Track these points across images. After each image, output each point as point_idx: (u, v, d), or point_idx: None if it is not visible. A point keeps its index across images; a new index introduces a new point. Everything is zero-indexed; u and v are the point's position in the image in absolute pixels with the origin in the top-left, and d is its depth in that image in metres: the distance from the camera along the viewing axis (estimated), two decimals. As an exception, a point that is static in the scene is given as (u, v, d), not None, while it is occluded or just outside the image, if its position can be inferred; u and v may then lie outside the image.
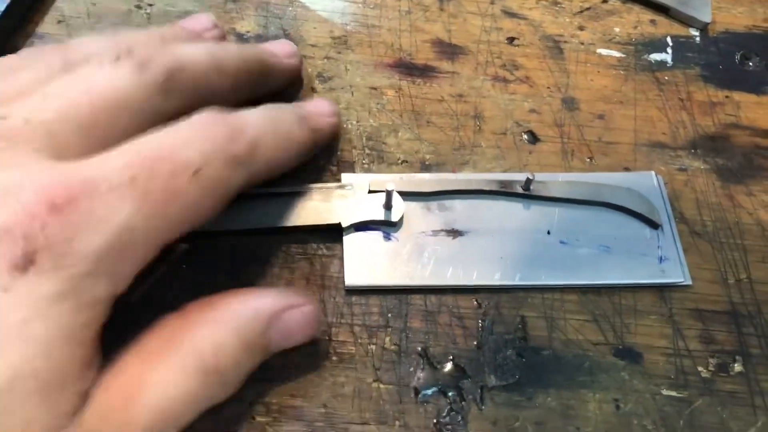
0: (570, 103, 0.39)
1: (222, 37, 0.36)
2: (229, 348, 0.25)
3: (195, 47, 0.30)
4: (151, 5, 0.40)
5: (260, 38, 0.40)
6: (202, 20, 0.35)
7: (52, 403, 0.21)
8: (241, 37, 0.39)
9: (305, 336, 0.28)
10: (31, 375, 0.20)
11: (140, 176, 0.23)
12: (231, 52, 0.31)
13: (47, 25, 0.39)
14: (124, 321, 0.24)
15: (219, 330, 0.25)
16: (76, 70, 0.26)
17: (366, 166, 0.36)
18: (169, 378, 0.23)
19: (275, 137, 0.29)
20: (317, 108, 0.34)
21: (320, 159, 0.35)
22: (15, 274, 0.21)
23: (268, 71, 0.34)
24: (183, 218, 0.24)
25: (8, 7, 0.37)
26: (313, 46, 0.40)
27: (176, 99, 0.27)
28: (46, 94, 0.25)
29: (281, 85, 0.36)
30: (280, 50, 0.35)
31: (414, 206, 0.34)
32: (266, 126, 0.28)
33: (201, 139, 0.25)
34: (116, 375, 0.23)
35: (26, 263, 0.21)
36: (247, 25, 0.40)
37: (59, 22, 0.39)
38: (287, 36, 0.40)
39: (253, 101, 0.30)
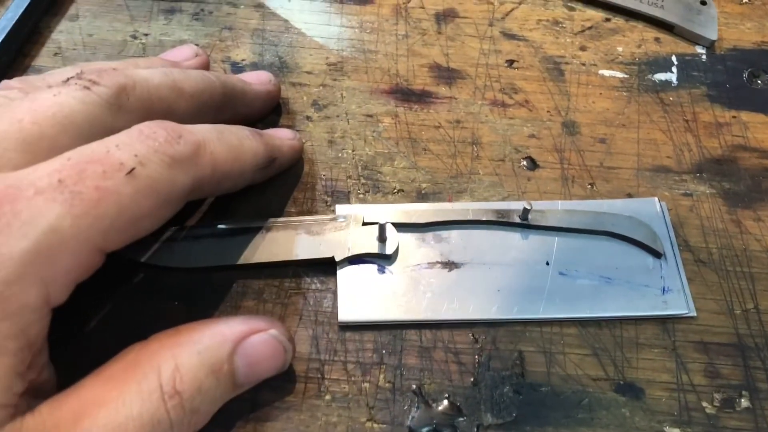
0: (571, 127, 0.38)
1: (204, 65, 0.36)
2: (190, 370, 0.24)
3: (151, 69, 0.30)
4: (146, 35, 0.40)
5: (255, 66, 0.40)
6: (184, 50, 0.36)
7: None
8: (236, 66, 0.39)
9: (273, 364, 0.28)
10: None
11: (69, 179, 0.23)
12: (191, 74, 0.31)
13: (43, 57, 0.39)
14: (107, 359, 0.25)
15: (180, 352, 0.25)
16: (29, 95, 0.27)
17: (361, 195, 0.35)
18: (125, 398, 0.23)
19: (223, 143, 0.29)
20: (276, 131, 0.35)
21: (315, 189, 0.35)
22: None
23: (233, 95, 0.34)
24: (120, 220, 0.24)
25: (4, 41, 0.38)
26: (308, 73, 0.40)
27: (127, 116, 0.27)
28: None
29: (253, 113, 0.36)
30: (254, 77, 0.36)
31: (409, 238, 0.33)
32: (212, 133, 0.28)
33: (138, 141, 0.25)
34: (71, 394, 0.23)
35: None
36: (242, 53, 0.40)
37: (55, 54, 0.39)
38: (282, 63, 0.40)
39: None
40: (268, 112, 0.38)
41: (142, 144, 0.25)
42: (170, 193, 0.26)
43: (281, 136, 0.35)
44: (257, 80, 0.36)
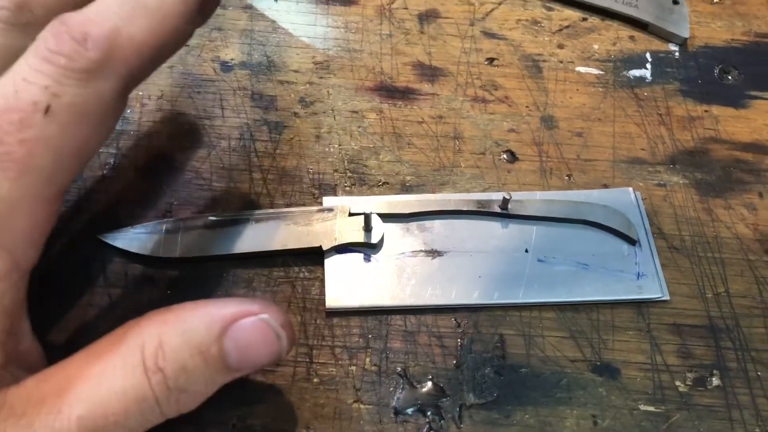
0: (549, 122, 0.40)
1: None
2: (174, 348, 0.24)
3: None
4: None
5: (244, 65, 0.41)
6: None
7: None
8: (225, 65, 0.40)
9: (266, 351, 0.26)
10: None
11: None
12: None
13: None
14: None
15: (166, 330, 0.24)
16: None
17: (347, 188, 0.36)
18: (108, 371, 0.23)
19: (140, 13, 0.24)
20: None
21: (302, 182, 0.36)
22: None
23: None
24: (60, 160, 0.23)
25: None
26: (295, 71, 0.41)
27: (37, 32, 0.24)
28: None
29: None
30: None
31: (394, 227, 0.35)
32: (125, 8, 0.24)
33: (42, 68, 0.22)
34: (57, 368, 0.23)
35: None
36: (231, 52, 0.41)
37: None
38: (270, 62, 0.41)
39: None
40: None
41: (49, 69, 0.22)
42: (100, 108, 0.24)
43: None
44: None
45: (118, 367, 0.23)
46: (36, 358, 0.25)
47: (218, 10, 0.42)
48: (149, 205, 0.35)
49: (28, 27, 0.25)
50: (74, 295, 0.32)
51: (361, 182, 0.37)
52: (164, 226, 0.33)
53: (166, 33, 0.25)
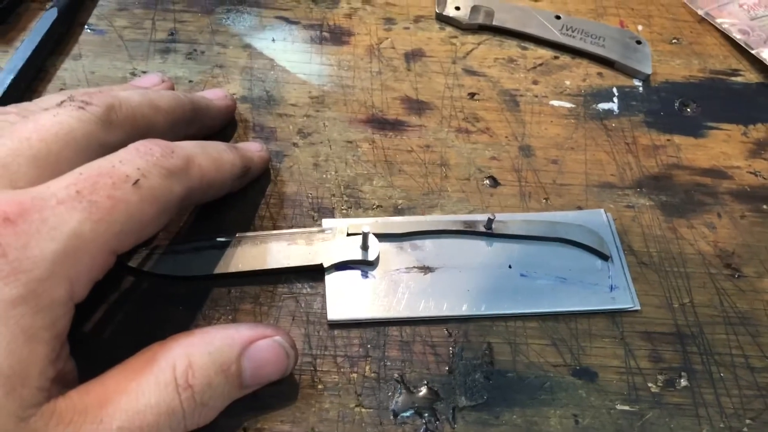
0: (526, 150, 0.43)
1: (170, 90, 0.40)
2: (202, 367, 0.27)
3: (131, 91, 0.34)
4: (144, 72, 0.44)
5: (245, 99, 0.44)
6: (152, 78, 0.41)
7: (16, 395, 0.23)
8: (227, 99, 0.43)
9: (276, 369, 0.30)
10: None
11: (84, 190, 0.26)
12: (164, 93, 0.36)
13: (50, 93, 0.42)
14: (121, 358, 0.28)
15: (193, 351, 0.28)
16: (27, 117, 0.30)
17: (344, 211, 0.39)
18: (144, 388, 0.26)
19: (207, 156, 0.32)
20: (247, 144, 0.40)
21: (303, 206, 0.39)
22: None
23: (200, 109, 0.38)
24: (129, 225, 0.27)
25: (14, 80, 0.41)
26: (293, 105, 0.44)
27: (117, 131, 0.31)
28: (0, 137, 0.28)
29: (216, 124, 0.41)
30: (212, 94, 0.41)
31: (388, 246, 0.38)
32: (197, 148, 0.32)
33: (138, 157, 0.28)
34: (96, 382, 0.26)
35: None
36: (233, 88, 0.44)
37: (60, 89, 0.43)
38: (270, 96, 0.44)
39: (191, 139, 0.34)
40: (227, 123, 0.42)
41: (142, 159, 0.28)
42: (168, 201, 0.29)
43: (252, 148, 0.39)
44: (215, 96, 0.41)
45: (152, 384, 0.26)
46: (72, 377, 0.27)
47: (219, 49, 0.45)
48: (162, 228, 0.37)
49: (111, 126, 0.31)
50: (90, 313, 0.34)
51: (356, 205, 0.39)
52: (176, 248, 0.36)
53: (219, 175, 0.33)
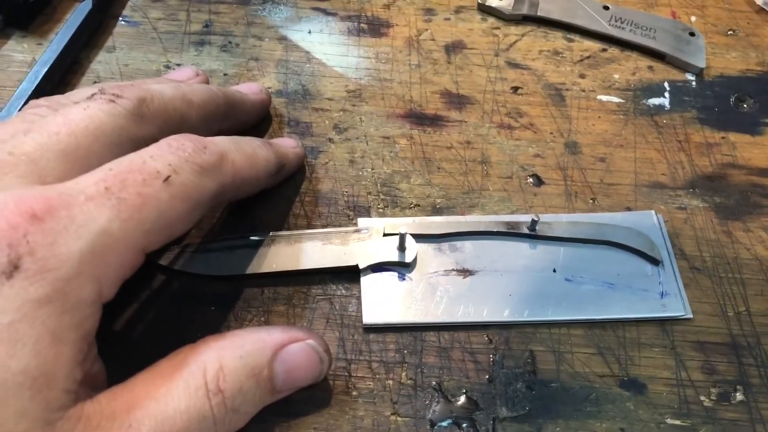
0: (572, 147, 0.41)
1: (205, 83, 0.39)
2: (233, 371, 0.26)
3: (163, 84, 0.33)
4: (178, 65, 0.43)
5: (280, 93, 0.43)
6: (186, 71, 0.40)
7: (42, 397, 0.23)
8: (262, 93, 0.42)
9: (309, 374, 0.30)
10: (21, 372, 0.22)
11: (114, 186, 0.25)
12: (197, 87, 0.35)
13: (83, 86, 0.42)
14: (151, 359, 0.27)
15: (224, 354, 0.27)
16: (57, 110, 0.29)
17: (381, 210, 0.38)
18: (173, 392, 0.25)
19: (240, 153, 0.31)
20: (282, 140, 0.39)
21: (338, 204, 0.38)
22: (2, 279, 0.22)
23: (234, 103, 0.37)
24: (159, 223, 0.26)
25: (48, 72, 0.41)
26: (329, 99, 0.43)
27: (149, 125, 0.30)
28: (29, 131, 0.27)
29: (250, 119, 0.40)
30: (247, 88, 0.40)
31: (426, 248, 0.36)
32: (230, 144, 0.31)
33: (169, 153, 0.27)
34: (125, 387, 0.26)
35: (12, 269, 0.23)
36: (268, 81, 0.43)
37: (94, 83, 0.42)
38: (306, 90, 0.43)
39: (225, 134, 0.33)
40: (261, 118, 0.41)
41: (173, 155, 0.27)
42: (200, 198, 0.28)
43: (286, 144, 0.38)
44: (250, 91, 0.40)
45: (182, 389, 0.25)
46: (101, 379, 0.27)
47: (254, 41, 0.44)
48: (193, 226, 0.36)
49: (143, 120, 0.30)
50: (119, 312, 0.34)
51: (393, 204, 0.38)
52: (208, 246, 0.35)
53: (253, 172, 0.32)
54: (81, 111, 0.28)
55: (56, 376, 0.23)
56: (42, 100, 0.31)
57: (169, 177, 0.27)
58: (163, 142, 0.28)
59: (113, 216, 0.25)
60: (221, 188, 0.30)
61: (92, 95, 0.30)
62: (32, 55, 0.43)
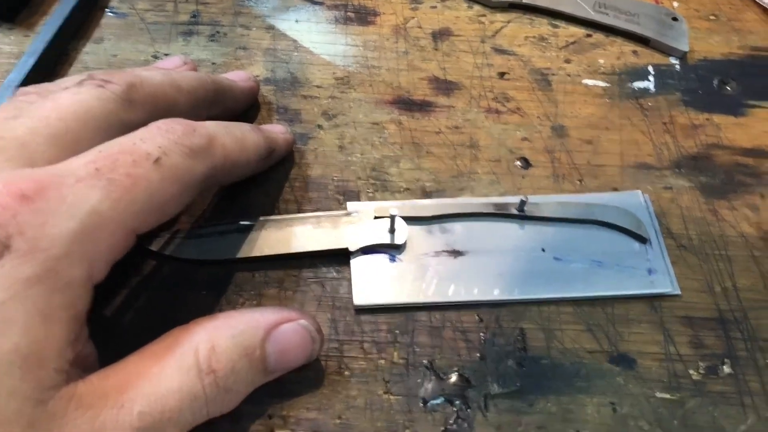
0: (559, 131, 0.42)
1: (193, 71, 0.39)
2: (225, 351, 0.27)
3: (153, 71, 0.33)
4: (166, 55, 0.43)
5: (269, 81, 0.43)
6: (174, 60, 0.40)
7: (33, 376, 0.23)
8: (251, 81, 0.42)
9: (301, 353, 0.30)
10: (12, 350, 0.22)
11: (104, 168, 0.25)
12: (186, 74, 0.35)
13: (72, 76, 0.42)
14: (143, 343, 0.27)
15: (217, 335, 0.27)
16: (47, 97, 0.29)
17: (370, 194, 0.38)
18: (166, 372, 0.25)
19: (230, 136, 0.31)
20: (272, 126, 0.39)
21: (328, 189, 0.38)
22: None
23: (223, 89, 0.37)
24: (150, 204, 0.26)
25: (36, 63, 0.41)
26: (318, 86, 0.43)
27: (138, 110, 0.30)
28: (18, 116, 0.27)
29: (239, 106, 0.40)
30: (235, 76, 0.40)
31: (416, 230, 0.36)
32: (220, 127, 0.31)
33: (159, 135, 0.28)
34: (117, 367, 0.26)
35: (2, 249, 0.23)
36: (256, 69, 0.43)
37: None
38: (294, 78, 0.43)
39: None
40: (250, 105, 0.41)
41: (163, 137, 0.28)
42: (190, 180, 0.28)
43: (276, 130, 0.38)
44: (239, 78, 0.40)
45: (174, 368, 0.26)
46: (92, 360, 0.27)
47: (242, 30, 0.45)
48: (184, 211, 0.36)
49: (132, 105, 0.30)
50: (111, 297, 0.34)
51: (383, 189, 0.38)
52: (199, 231, 0.35)
53: (243, 155, 0.32)
54: (70, 96, 0.28)
55: (47, 355, 0.23)
56: (31, 88, 0.31)
57: (159, 159, 0.27)
58: (153, 126, 0.28)
59: (103, 196, 0.25)
60: (211, 171, 0.30)
61: (82, 81, 0.30)
62: (19, 47, 0.43)
